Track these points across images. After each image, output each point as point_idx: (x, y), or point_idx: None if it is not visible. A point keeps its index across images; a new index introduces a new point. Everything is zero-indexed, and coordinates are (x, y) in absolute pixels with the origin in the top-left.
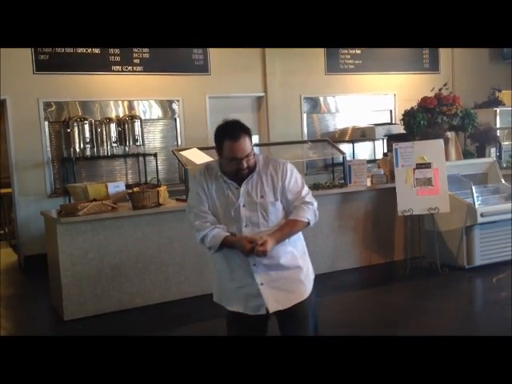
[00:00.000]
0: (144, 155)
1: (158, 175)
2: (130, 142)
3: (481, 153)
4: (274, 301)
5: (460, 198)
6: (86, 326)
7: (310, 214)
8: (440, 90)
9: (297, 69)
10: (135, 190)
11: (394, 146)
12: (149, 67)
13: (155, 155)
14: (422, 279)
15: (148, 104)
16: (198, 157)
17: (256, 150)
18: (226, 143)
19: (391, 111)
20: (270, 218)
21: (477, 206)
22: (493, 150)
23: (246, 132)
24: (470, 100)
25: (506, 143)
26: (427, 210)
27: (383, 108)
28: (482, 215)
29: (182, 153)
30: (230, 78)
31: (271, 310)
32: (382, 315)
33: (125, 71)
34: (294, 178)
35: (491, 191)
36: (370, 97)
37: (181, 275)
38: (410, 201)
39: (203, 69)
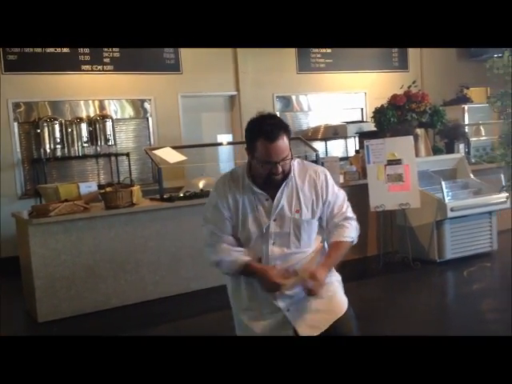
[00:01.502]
0: (116, 155)
1: (130, 175)
2: (101, 142)
3: (450, 149)
4: (307, 327)
5: (430, 193)
6: (61, 328)
7: (353, 231)
8: (409, 87)
9: (269, 68)
10: (108, 189)
11: (366, 143)
12: (120, 66)
13: (127, 155)
14: (394, 273)
15: (119, 103)
16: (171, 156)
17: (229, 148)
18: (261, 143)
19: (362, 109)
20: (303, 238)
21: (447, 201)
22: (461, 145)
23: (286, 130)
24: (439, 97)
25: (474, 139)
26: (398, 206)
27: (354, 106)
28: (451, 210)
29: (155, 152)
30: (202, 77)
31: (301, 334)
32: (356, 309)
33: (95, 70)
34: (336, 190)
35: (460, 186)
36: (341, 95)
37: (156, 275)
38: (382, 197)
39: (175, 68)
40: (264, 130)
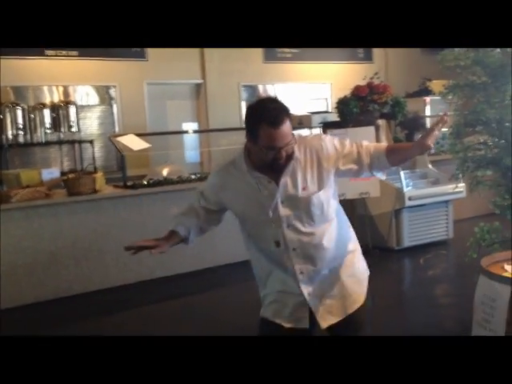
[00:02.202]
0: (80, 142)
1: (94, 162)
2: (65, 129)
3: (410, 140)
4: (326, 313)
5: (389, 182)
6: (23, 314)
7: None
8: (371, 78)
9: (235, 56)
10: (70, 176)
11: (328, 132)
12: (85, 52)
13: (91, 142)
14: None
15: (84, 90)
16: (134, 143)
17: (195, 136)
18: (264, 129)
19: (327, 99)
20: (316, 213)
21: (405, 190)
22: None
23: (288, 115)
24: (402, 89)
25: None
26: (359, 195)
27: (320, 97)
28: (409, 199)
29: (119, 139)
30: (168, 65)
31: (323, 326)
32: None
33: (59, 56)
34: (338, 142)
35: (419, 176)
36: (307, 85)
37: (119, 262)
38: (343, 186)
39: (140, 54)
40: (267, 116)
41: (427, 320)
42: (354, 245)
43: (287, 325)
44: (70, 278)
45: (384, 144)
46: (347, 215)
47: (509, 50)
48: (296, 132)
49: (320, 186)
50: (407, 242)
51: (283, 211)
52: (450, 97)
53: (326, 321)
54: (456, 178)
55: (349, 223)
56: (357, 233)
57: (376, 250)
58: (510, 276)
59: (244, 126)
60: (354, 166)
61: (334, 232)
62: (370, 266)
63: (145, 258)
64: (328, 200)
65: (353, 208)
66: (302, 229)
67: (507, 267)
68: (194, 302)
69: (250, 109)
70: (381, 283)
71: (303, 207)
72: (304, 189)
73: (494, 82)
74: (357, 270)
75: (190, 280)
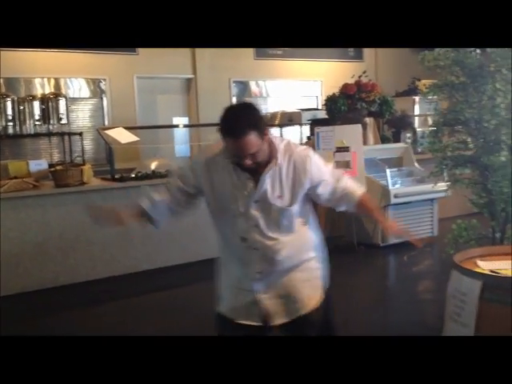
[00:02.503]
0: (69, 134)
1: (83, 154)
2: (54, 121)
3: (397, 138)
4: (278, 312)
5: (376, 180)
6: (8, 304)
7: (353, 183)
8: (360, 77)
9: (226, 52)
10: (58, 167)
11: (316, 130)
12: None
13: (80, 134)
14: (339, 256)
15: (74, 82)
16: (123, 136)
17: (185, 131)
18: (227, 139)
19: (317, 97)
20: (283, 224)
21: (390, 188)
22: (408, 135)
23: (252, 127)
24: (392, 88)
25: (421, 129)
26: None
27: (310, 94)
28: (395, 196)
29: (107, 132)
30: (159, 59)
31: (274, 324)
32: None
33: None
34: (323, 166)
35: (405, 174)
36: (298, 83)
37: (106, 254)
38: None
39: (131, 49)
40: (228, 128)
41: (409, 315)
42: (316, 251)
43: (241, 321)
44: (56, 268)
45: (359, 192)
46: (334, 211)
47: (488, 50)
48: (286, 140)
49: (293, 201)
50: (392, 238)
51: (254, 210)
52: (430, 96)
53: (276, 320)
54: (434, 175)
55: (318, 230)
56: (342, 229)
57: (361, 246)
58: (480, 271)
59: None
60: (324, 195)
61: (297, 242)
62: (354, 262)
63: (132, 250)
64: (298, 214)
65: None
66: (267, 232)
67: (480, 263)
68: (180, 295)
69: (221, 116)
70: (366, 279)
71: (273, 214)
72: (279, 197)
73: (473, 83)
74: (314, 274)
75: (177, 273)
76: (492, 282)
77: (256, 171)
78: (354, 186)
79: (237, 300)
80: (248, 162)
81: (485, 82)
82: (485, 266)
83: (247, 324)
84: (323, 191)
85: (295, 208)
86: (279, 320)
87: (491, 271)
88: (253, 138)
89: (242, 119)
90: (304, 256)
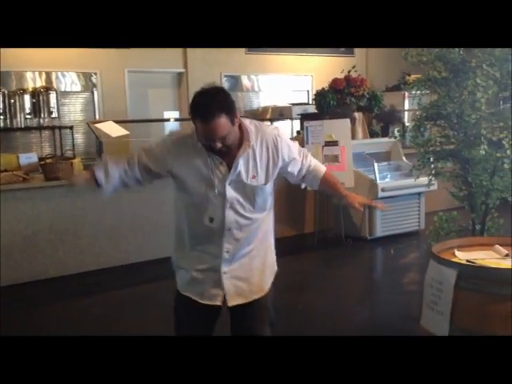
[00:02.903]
0: (60, 128)
1: (74, 148)
2: (45, 114)
3: (385, 132)
4: (236, 294)
5: (364, 174)
6: None
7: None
8: (349, 72)
9: None
10: (48, 161)
11: (305, 124)
12: None
13: (71, 128)
14: (328, 249)
15: (65, 76)
16: (113, 130)
17: (176, 125)
18: (197, 122)
19: (308, 91)
20: (258, 202)
21: (378, 182)
22: (396, 129)
23: (223, 110)
24: (382, 83)
25: (411, 124)
26: None
27: (301, 88)
28: (382, 190)
29: (98, 125)
30: (150, 53)
31: (231, 304)
32: (290, 280)
33: None
34: (291, 144)
35: (393, 168)
36: (289, 77)
37: (95, 247)
38: None
39: None
40: (198, 111)
41: (395, 306)
42: (272, 238)
43: (206, 302)
44: (46, 261)
45: (323, 168)
46: (323, 204)
47: None
48: (254, 121)
49: (267, 179)
50: (380, 232)
51: (229, 193)
52: (413, 91)
53: (234, 301)
54: (417, 169)
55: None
56: (331, 222)
57: (349, 239)
58: (457, 261)
59: None
60: (294, 172)
61: (267, 221)
62: (342, 254)
63: (121, 243)
64: (269, 192)
65: (328, 198)
66: (243, 212)
67: (457, 253)
68: (169, 287)
69: (191, 100)
70: (352, 271)
71: (248, 194)
72: (253, 177)
73: (455, 78)
74: (269, 261)
75: (166, 265)
76: (467, 272)
77: (228, 154)
78: (318, 163)
79: (199, 283)
80: (218, 145)
81: (466, 78)
82: (462, 256)
83: (209, 304)
84: (293, 169)
85: (269, 186)
86: (235, 301)
87: (468, 261)
88: (223, 121)
89: (213, 103)
90: (266, 239)
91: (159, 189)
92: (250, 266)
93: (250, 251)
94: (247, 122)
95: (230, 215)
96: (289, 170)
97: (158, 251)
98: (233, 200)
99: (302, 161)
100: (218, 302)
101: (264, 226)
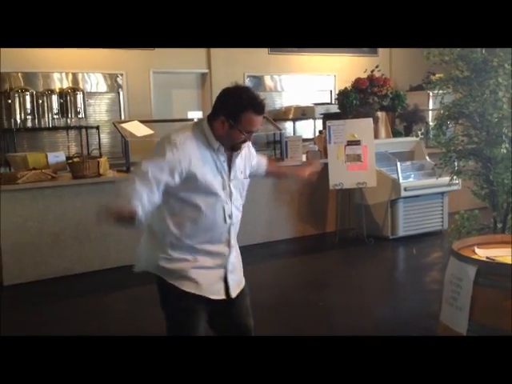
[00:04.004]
0: (86, 128)
1: (100, 147)
2: (72, 115)
3: (408, 132)
4: (236, 284)
5: (386, 173)
6: (25, 291)
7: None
8: (372, 71)
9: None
10: (75, 160)
11: (328, 123)
12: None
13: (97, 128)
14: (349, 248)
15: (92, 77)
16: (138, 129)
17: None
18: (249, 114)
19: (331, 91)
20: (243, 196)
21: (401, 181)
22: (420, 129)
23: None
24: (406, 83)
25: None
26: (356, 185)
27: (324, 88)
28: (405, 189)
29: (123, 125)
30: (175, 54)
31: (233, 296)
32: (311, 278)
33: None
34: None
35: (416, 168)
36: (312, 77)
37: (120, 244)
38: (341, 175)
39: None
40: (255, 103)
41: (416, 304)
42: None
43: (215, 297)
44: (72, 257)
45: (265, 162)
46: (345, 204)
47: None
48: None
49: (246, 175)
50: (402, 231)
51: (232, 189)
52: (436, 91)
53: (235, 292)
54: (439, 167)
55: None
56: (352, 221)
57: (371, 238)
58: (476, 257)
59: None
60: (255, 166)
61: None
62: (364, 253)
63: None
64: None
65: (350, 197)
66: (239, 206)
67: (478, 250)
68: None
69: (235, 93)
70: (374, 270)
71: (240, 189)
72: (241, 173)
73: (477, 77)
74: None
75: None
76: (487, 268)
77: (227, 154)
78: (262, 160)
79: (211, 278)
80: (252, 137)
81: (488, 77)
82: (482, 253)
83: (217, 299)
84: (255, 163)
85: (247, 182)
86: (236, 292)
87: (487, 258)
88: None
89: (262, 98)
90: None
91: None
92: (238, 257)
93: (235, 242)
94: None
95: (234, 210)
96: (253, 163)
97: None
98: (234, 195)
99: (257, 156)
100: (223, 296)
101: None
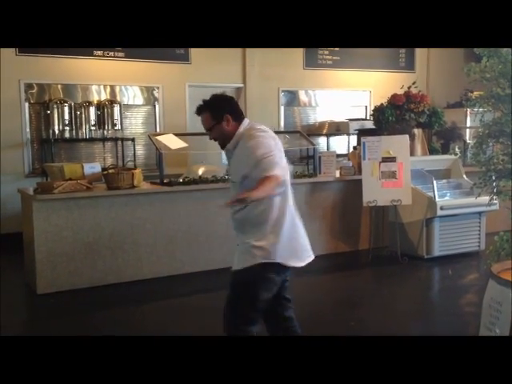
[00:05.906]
0: (122, 139)
1: (135, 159)
2: (108, 126)
3: (445, 149)
4: (236, 262)
5: (422, 191)
6: (58, 300)
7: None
8: (409, 88)
9: (275, 62)
10: (110, 171)
11: (362, 139)
12: (130, 54)
13: (133, 140)
14: (382, 267)
15: (129, 90)
16: (172, 142)
17: None
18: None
19: (366, 107)
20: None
21: (437, 200)
22: (457, 147)
23: (207, 108)
24: (444, 100)
25: (471, 142)
26: (390, 202)
27: (360, 104)
28: (441, 208)
29: (158, 138)
30: (210, 68)
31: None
32: (343, 296)
33: (106, 56)
34: (249, 151)
35: (453, 186)
36: (347, 93)
37: (152, 255)
38: (375, 192)
39: (184, 57)
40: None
41: (449, 326)
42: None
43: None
44: (105, 268)
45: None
46: (379, 221)
47: None
48: (249, 126)
49: (244, 175)
50: (437, 251)
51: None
52: (475, 108)
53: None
54: (478, 187)
55: None
56: (386, 239)
57: (405, 257)
58: None
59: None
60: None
61: None
62: (397, 272)
63: (176, 252)
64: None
65: (384, 214)
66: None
67: None
68: (219, 298)
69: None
70: (407, 290)
71: (234, 188)
72: (233, 174)
73: None
74: (247, 246)
75: (218, 277)
76: None
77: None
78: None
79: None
80: (210, 136)
81: None
82: None
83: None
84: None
85: (245, 183)
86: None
87: None
88: (206, 117)
89: (203, 102)
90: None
91: (212, 201)
92: (240, 246)
93: (238, 233)
94: (242, 127)
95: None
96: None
97: (210, 263)
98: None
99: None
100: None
101: None
